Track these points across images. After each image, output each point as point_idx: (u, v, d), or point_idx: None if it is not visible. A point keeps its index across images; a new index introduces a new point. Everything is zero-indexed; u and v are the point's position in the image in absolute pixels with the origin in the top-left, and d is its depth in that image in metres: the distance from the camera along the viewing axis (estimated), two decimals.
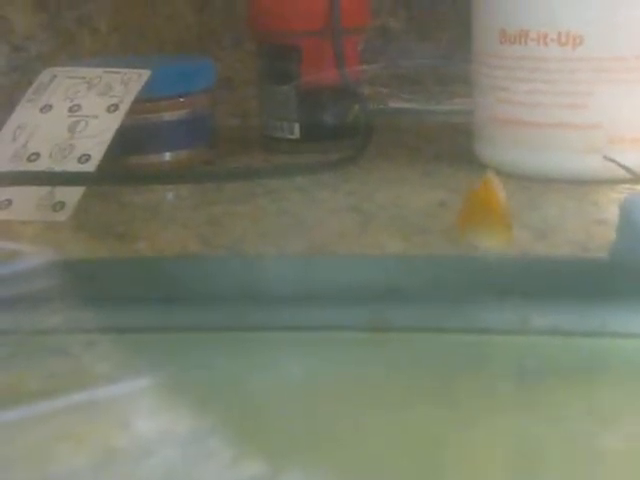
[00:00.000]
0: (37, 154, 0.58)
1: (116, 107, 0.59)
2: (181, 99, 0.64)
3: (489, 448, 0.32)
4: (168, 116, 0.63)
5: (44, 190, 0.56)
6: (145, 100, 0.61)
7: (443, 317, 0.40)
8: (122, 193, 0.59)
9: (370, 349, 0.39)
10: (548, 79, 0.57)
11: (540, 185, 0.57)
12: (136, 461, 0.31)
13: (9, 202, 0.56)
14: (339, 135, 0.67)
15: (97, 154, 0.57)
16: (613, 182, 0.56)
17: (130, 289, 0.42)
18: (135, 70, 0.61)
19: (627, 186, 0.55)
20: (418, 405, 0.34)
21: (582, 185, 0.56)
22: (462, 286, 0.41)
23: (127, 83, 0.61)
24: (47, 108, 0.60)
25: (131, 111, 0.59)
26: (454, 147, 0.66)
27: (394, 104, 0.76)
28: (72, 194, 0.56)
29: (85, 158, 0.57)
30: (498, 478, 0.31)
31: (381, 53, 0.79)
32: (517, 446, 0.32)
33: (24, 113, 0.60)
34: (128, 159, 0.62)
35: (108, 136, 0.58)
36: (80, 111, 0.60)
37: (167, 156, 0.64)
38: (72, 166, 0.57)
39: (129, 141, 0.61)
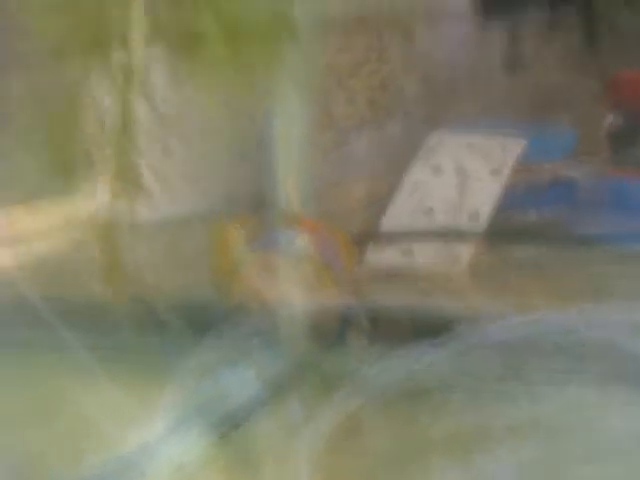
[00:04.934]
0: (431, 209, 0.67)
1: (498, 171, 0.68)
2: (546, 165, 0.72)
3: None
4: (535, 180, 0.71)
5: (442, 242, 0.65)
6: (515, 165, 0.69)
7: None
8: (503, 247, 0.67)
9: None
10: None
11: None
12: None
13: (411, 251, 0.65)
14: None
15: (485, 213, 0.66)
16: None
17: None
18: (512, 139, 0.70)
19: None
20: None
21: None
22: None
23: (505, 150, 0.69)
24: (436, 168, 0.70)
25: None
26: None
27: None
28: (466, 248, 0.64)
29: (474, 216, 0.66)
30: None
31: None
32: None
33: (417, 172, 0.70)
34: (499, 216, 0.70)
35: (493, 197, 0.67)
36: (466, 173, 0.69)
37: (532, 215, 0.72)
38: (463, 222, 0.66)
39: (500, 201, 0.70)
